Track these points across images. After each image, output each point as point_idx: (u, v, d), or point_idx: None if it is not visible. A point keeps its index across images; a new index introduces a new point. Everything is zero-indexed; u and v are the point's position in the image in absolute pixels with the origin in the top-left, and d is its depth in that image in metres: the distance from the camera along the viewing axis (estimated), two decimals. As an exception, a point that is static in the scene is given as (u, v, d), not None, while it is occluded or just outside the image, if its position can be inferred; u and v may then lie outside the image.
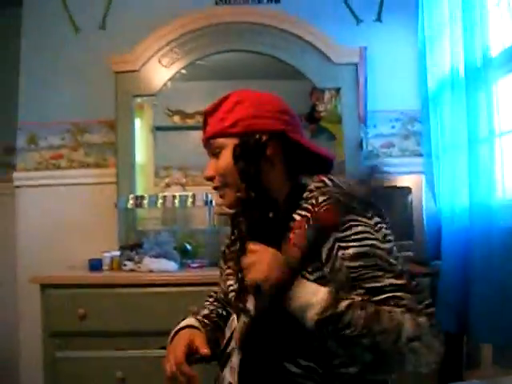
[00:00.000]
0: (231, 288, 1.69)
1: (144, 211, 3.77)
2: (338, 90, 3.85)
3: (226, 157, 1.56)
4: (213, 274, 3.07)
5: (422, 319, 1.35)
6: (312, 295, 1.36)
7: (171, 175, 4.06)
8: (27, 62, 3.98)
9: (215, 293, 1.96)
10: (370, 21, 3.98)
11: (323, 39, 3.77)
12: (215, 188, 1.64)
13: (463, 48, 2.90)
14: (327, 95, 4.01)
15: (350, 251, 1.38)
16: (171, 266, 3.28)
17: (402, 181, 3.23)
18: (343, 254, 1.38)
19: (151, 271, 3.22)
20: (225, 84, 4.23)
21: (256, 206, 1.51)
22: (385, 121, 3.91)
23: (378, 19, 3.98)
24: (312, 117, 4.14)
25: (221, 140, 1.57)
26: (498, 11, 2.73)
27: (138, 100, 3.92)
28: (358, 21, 3.97)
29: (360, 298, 1.35)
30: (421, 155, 3.77)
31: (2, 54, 4.12)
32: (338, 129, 3.86)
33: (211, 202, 3.50)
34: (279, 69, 3.96)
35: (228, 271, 1.75)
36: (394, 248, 1.43)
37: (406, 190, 3.16)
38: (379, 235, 1.40)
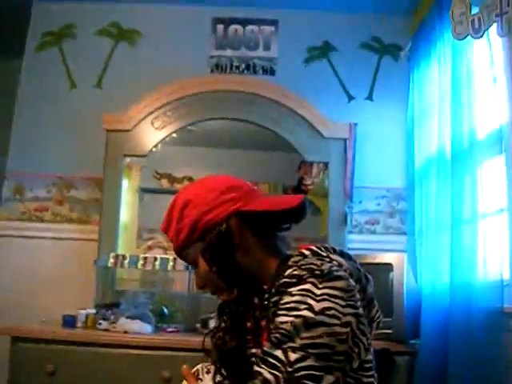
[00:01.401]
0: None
1: (124, 271, 3.73)
2: (326, 164, 3.89)
3: (202, 265, 1.51)
4: (188, 339, 3.04)
5: None
6: None
7: (154, 238, 4.03)
8: (21, 112, 4.03)
9: None
10: (362, 98, 4.08)
11: (315, 113, 3.83)
12: (212, 293, 1.57)
13: (450, 129, 2.96)
14: (315, 169, 4.05)
15: (278, 319, 1.29)
16: (146, 328, 3.22)
17: (385, 258, 3.22)
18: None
19: (126, 332, 3.16)
20: (215, 151, 4.28)
21: (241, 303, 1.48)
22: (370, 197, 3.94)
23: (370, 97, 4.07)
24: (299, 189, 4.17)
25: (188, 251, 1.52)
26: (486, 95, 2.80)
27: (128, 160, 3.94)
28: (350, 98, 4.06)
29: None
30: (404, 233, 3.80)
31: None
32: (324, 203, 3.88)
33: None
34: (269, 140, 4.01)
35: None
36: (337, 326, 1.25)
37: (388, 267, 3.15)
38: (316, 305, 1.25)
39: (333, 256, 1.40)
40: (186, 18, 4.18)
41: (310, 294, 1.26)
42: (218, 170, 4.21)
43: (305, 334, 1.23)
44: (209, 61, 4.12)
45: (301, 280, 1.30)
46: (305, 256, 1.39)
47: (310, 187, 4.10)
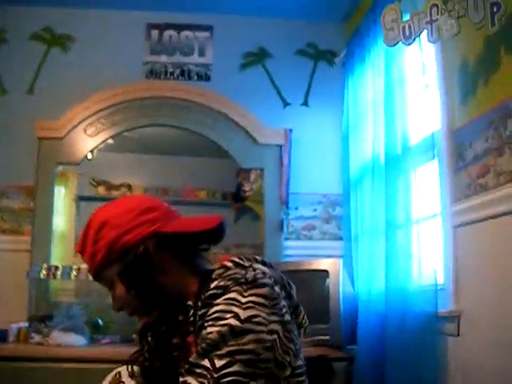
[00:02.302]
0: None
1: (58, 282, 3.65)
2: (262, 171, 3.88)
3: (119, 287, 1.45)
4: (124, 351, 2.97)
5: None
6: None
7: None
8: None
9: None
10: (297, 104, 4.08)
11: (250, 119, 3.83)
12: (130, 315, 1.52)
13: (384, 136, 2.99)
14: (253, 175, 4.05)
15: (205, 331, 1.27)
16: (80, 340, 3.16)
17: (321, 264, 3.24)
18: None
19: (59, 345, 3.09)
20: (152, 158, 4.26)
21: (163, 322, 1.45)
22: (307, 203, 3.94)
23: (305, 103, 4.08)
24: (238, 196, 4.17)
25: (104, 273, 1.46)
26: (418, 101, 2.83)
27: (61, 168, 3.86)
28: (286, 104, 4.06)
29: None
30: (341, 239, 3.81)
31: None
32: (263, 209, 3.88)
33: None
34: (207, 147, 4.00)
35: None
36: (263, 334, 1.25)
37: (324, 274, 3.16)
38: (242, 313, 1.25)
39: (255, 265, 1.39)
40: (120, 23, 4.10)
41: (236, 303, 1.26)
42: (155, 177, 4.24)
43: (231, 342, 1.23)
44: (143, 67, 4.06)
45: (226, 290, 1.29)
46: (227, 268, 1.38)
47: (248, 193, 4.10)
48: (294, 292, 1.44)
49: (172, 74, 4.05)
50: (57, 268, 3.44)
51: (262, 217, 3.91)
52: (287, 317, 1.32)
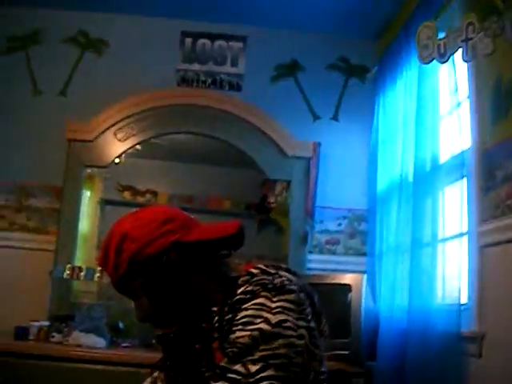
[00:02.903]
0: None
1: (80, 283, 3.67)
2: (288, 183, 3.88)
3: (143, 299, 1.46)
4: (142, 355, 2.99)
5: None
6: None
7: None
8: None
9: None
10: (327, 118, 4.09)
11: (279, 131, 3.84)
12: (155, 327, 1.52)
13: (414, 153, 2.97)
14: (279, 187, 4.04)
15: (234, 335, 1.29)
16: (100, 342, 3.17)
17: (343, 279, 3.22)
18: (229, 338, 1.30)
19: (79, 346, 3.10)
20: (178, 165, 4.26)
21: (186, 330, 1.44)
22: (332, 217, 3.95)
23: (335, 118, 4.08)
24: (262, 207, 4.15)
25: (127, 286, 1.46)
26: (449, 119, 2.81)
27: (89, 170, 3.89)
28: (316, 117, 4.07)
29: None
30: (365, 254, 3.79)
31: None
32: (287, 222, 3.87)
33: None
34: (234, 156, 4.01)
35: None
36: (293, 338, 1.27)
37: (346, 288, 3.15)
38: (272, 318, 1.27)
39: (281, 272, 1.40)
40: (154, 30, 4.15)
41: (265, 308, 1.28)
42: (180, 185, 4.24)
43: (263, 347, 1.24)
44: (175, 74, 4.10)
45: (254, 295, 1.31)
46: (254, 274, 1.39)
47: (272, 205, 4.09)
48: (316, 300, 1.45)
49: (204, 82, 4.08)
50: (80, 269, 3.47)
51: (286, 229, 3.90)
52: (312, 323, 1.34)
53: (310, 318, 1.33)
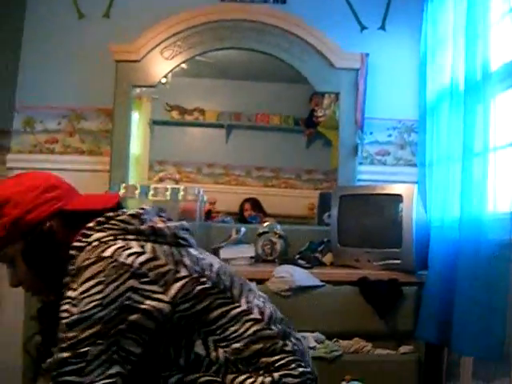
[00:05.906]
0: None
1: (134, 202, 3.75)
2: (337, 95, 3.86)
3: (20, 265, 1.46)
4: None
5: None
6: None
7: (165, 170, 4.05)
8: (28, 45, 3.96)
9: None
10: (374, 28, 4.00)
11: (326, 43, 3.78)
12: (27, 291, 1.55)
13: (464, 61, 2.90)
14: (326, 100, 4.03)
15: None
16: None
17: (395, 189, 3.23)
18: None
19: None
20: (225, 83, 4.27)
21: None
22: (382, 128, 3.92)
23: (382, 27, 3.99)
24: (310, 121, 4.16)
25: (5, 250, 1.46)
26: (501, 26, 2.74)
27: (137, 91, 3.93)
28: (362, 27, 3.99)
29: None
30: (415, 165, 3.79)
31: (4, 37, 4.07)
32: (335, 135, 3.87)
33: (203, 197, 3.50)
34: (281, 71, 3.99)
35: None
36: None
37: (398, 198, 3.16)
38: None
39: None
40: None
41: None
42: (228, 102, 4.26)
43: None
44: (219, -11, 4.03)
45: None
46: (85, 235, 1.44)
47: (321, 119, 4.09)
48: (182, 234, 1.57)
49: (248, -4, 4.01)
50: (135, 187, 3.53)
51: (335, 142, 3.90)
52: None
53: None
